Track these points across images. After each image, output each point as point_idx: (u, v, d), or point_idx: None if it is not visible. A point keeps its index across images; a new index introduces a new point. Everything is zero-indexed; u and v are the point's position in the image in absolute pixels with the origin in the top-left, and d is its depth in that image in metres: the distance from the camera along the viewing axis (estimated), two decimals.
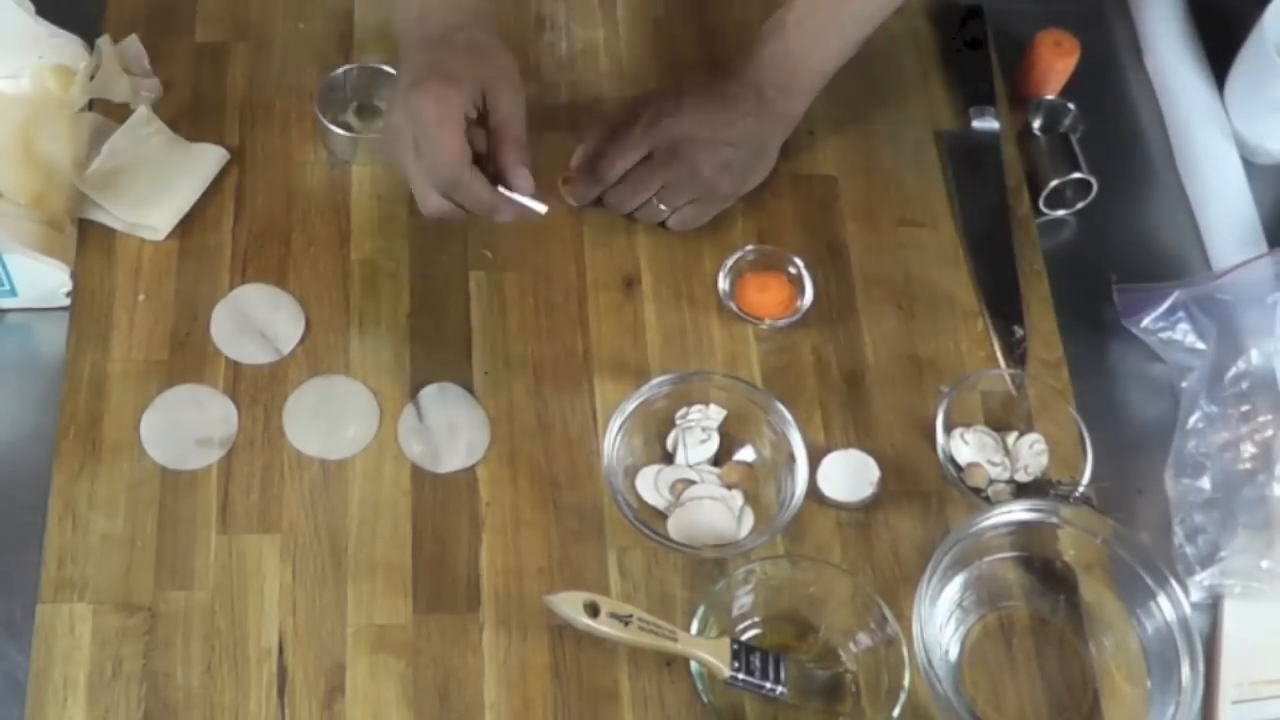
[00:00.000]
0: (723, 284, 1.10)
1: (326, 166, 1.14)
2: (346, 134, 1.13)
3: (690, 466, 1.03)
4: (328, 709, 0.93)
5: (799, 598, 0.98)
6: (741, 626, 0.98)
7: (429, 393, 1.05)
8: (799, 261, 1.10)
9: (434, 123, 0.92)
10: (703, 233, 1.13)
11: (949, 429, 1.05)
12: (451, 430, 1.03)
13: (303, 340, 1.06)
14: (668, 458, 1.04)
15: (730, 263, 1.10)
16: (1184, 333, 1.11)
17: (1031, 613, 1.01)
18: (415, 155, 0.94)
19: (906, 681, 0.93)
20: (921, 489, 1.05)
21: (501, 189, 0.96)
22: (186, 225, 1.10)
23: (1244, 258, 1.13)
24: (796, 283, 1.11)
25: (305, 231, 1.11)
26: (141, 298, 1.06)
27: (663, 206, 1.10)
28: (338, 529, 0.99)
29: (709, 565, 1.00)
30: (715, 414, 1.04)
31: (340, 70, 1.15)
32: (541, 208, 0.97)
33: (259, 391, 1.04)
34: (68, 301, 1.06)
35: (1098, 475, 1.04)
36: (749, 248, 1.11)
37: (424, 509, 1.01)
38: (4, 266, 1.02)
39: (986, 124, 1.20)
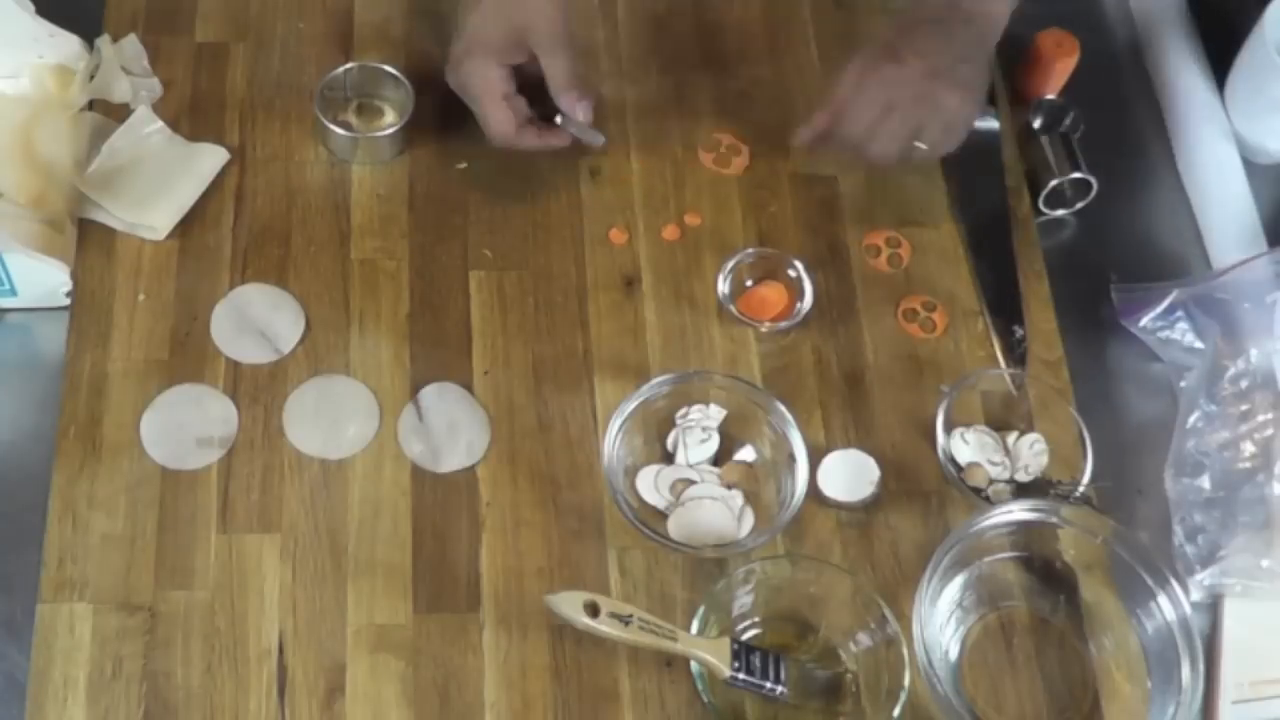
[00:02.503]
0: (722, 287, 1.10)
1: (326, 166, 1.14)
2: (346, 133, 1.13)
3: (690, 466, 1.03)
4: (328, 709, 0.93)
5: (799, 597, 0.98)
6: (741, 626, 0.98)
7: (429, 392, 1.05)
8: (799, 264, 1.10)
9: (478, 99, 1.07)
10: (702, 233, 1.13)
11: (949, 429, 1.05)
12: (451, 430, 1.03)
13: (303, 340, 1.06)
14: (668, 458, 1.04)
15: (729, 265, 1.10)
16: (1183, 332, 1.11)
17: (1031, 613, 1.01)
18: (470, 105, 1.09)
19: (906, 681, 0.93)
20: (921, 489, 1.05)
21: (561, 119, 1.09)
22: (186, 225, 1.09)
23: (1244, 257, 1.13)
24: (796, 286, 1.11)
25: (305, 231, 1.11)
26: (141, 297, 1.06)
27: (922, 146, 1.07)
28: (338, 529, 0.99)
29: (709, 565, 1.00)
30: (715, 414, 1.04)
31: (340, 70, 1.15)
32: (599, 139, 1.10)
33: (259, 391, 1.04)
34: (68, 301, 1.06)
35: (1098, 475, 1.04)
36: (748, 251, 1.11)
37: (424, 509, 1.01)
38: (4, 266, 1.02)
39: (986, 124, 1.20)
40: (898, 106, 1.05)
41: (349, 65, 1.16)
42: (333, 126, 1.12)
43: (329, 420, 1.03)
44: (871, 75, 1.05)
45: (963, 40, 1.07)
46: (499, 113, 1.06)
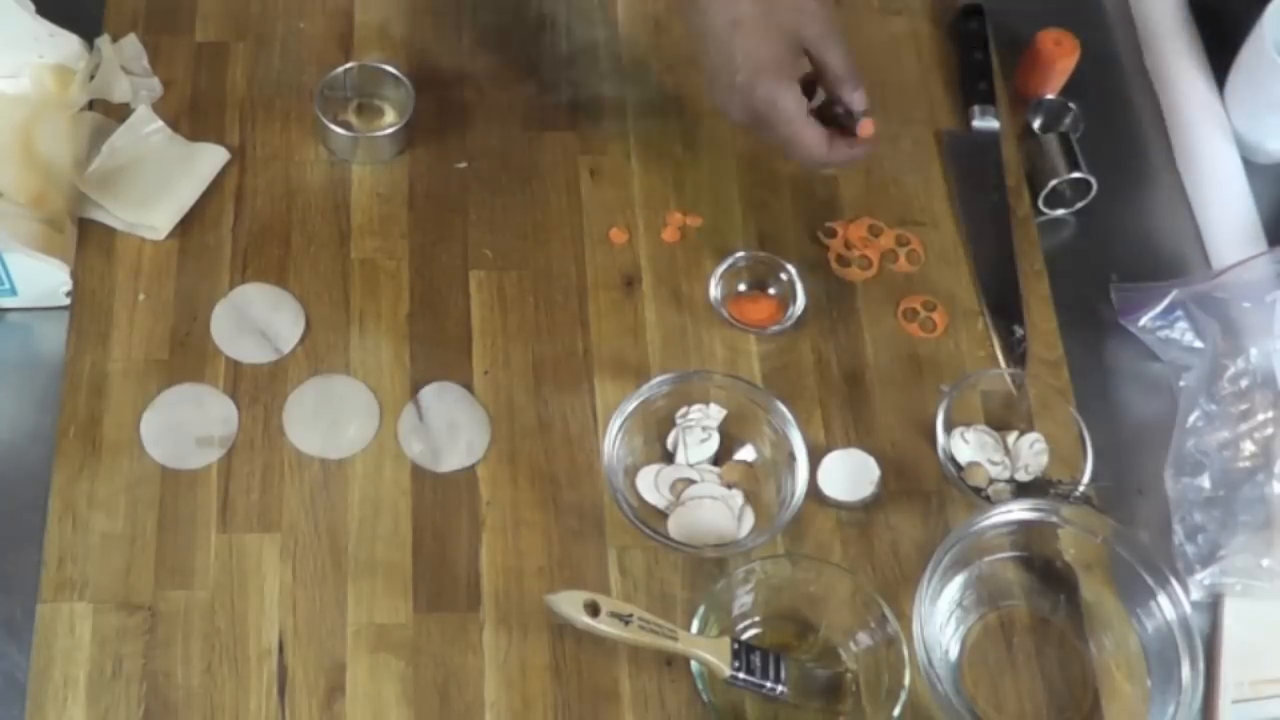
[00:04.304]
0: (714, 292, 1.10)
1: (327, 165, 1.14)
2: (346, 133, 1.13)
3: (690, 466, 1.03)
4: (328, 709, 0.93)
5: (799, 597, 0.98)
6: (741, 626, 0.98)
7: (429, 392, 1.05)
8: (791, 269, 1.10)
9: (790, 122, 1.00)
10: (702, 233, 1.13)
11: (949, 428, 1.05)
12: (451, 430, 1.03)
13: (303, 340, 1.06)
14: (668, 457, 1.04)
15: (721, 270, 1.10)
16: (1182, 331, 1.11)
17: (1031, 612, 1.01)
18: (769, 133, 1.02)
19: (906, 681, 0.93)
20: (922, 488, 1.05)
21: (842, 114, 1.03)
22: (186, 225, 1.10)
23: (1244, 257, 1.13)
24: (788, 289, 1.10)
25: (305, 231, 1.11)
26: (141, 297, 1.06)
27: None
28: (338, 528, 0.99)
29: (709, 565, 1.00)
30: (715, 413, 1.04)
31: (340, 70, 1.15)
32: (871, 128, 1.02)
33: (259, 391, 1.04)
34: (68, 301, 1.06)
35: (1098, 475, 1.04)
36: (739, 254, 1.11)
37: (424, 508, 1.01)
38: (4, 266, 1.02)
39: (986, 124, 1.20)
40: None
41: (349, 65, 1.16)
42: (333, 126, 1.12)
43: (329, 420, 1.03)
44: None
45: None
46: (814, 133, 1.01)
